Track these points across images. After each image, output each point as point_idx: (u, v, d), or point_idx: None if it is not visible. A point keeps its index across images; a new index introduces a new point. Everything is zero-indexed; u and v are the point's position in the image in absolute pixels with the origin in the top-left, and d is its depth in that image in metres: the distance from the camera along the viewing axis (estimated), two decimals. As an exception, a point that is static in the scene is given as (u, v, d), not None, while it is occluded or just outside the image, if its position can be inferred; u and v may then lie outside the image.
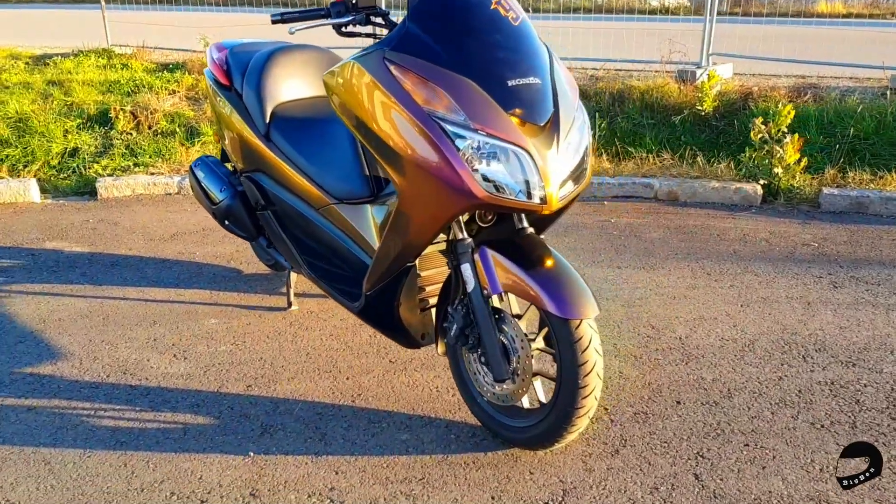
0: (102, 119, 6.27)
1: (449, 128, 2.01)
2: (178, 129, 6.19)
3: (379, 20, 2.44)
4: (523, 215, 2.31)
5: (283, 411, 2.53)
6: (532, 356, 2.22)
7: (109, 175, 5.24)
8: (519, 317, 2.32)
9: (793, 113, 4.73)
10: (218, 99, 3.18)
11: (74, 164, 5.49)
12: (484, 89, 2.05)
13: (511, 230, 2.33)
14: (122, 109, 6.52)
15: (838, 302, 3.35)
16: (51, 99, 6.60)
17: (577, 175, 2.18)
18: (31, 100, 6.69)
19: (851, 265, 3.76)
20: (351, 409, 2.54)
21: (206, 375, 2.75)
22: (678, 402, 2.59)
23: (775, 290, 3.49)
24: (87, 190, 5.08)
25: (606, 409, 2.56)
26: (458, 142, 2.01)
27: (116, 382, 2.70)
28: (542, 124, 2.08)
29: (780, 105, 4.89)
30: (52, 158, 5.57)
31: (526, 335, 2.25)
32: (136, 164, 5.51)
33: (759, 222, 4.42)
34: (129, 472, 2.23)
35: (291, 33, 2.36)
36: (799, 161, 4.76)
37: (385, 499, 2.12)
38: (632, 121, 5.95)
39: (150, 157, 5.66)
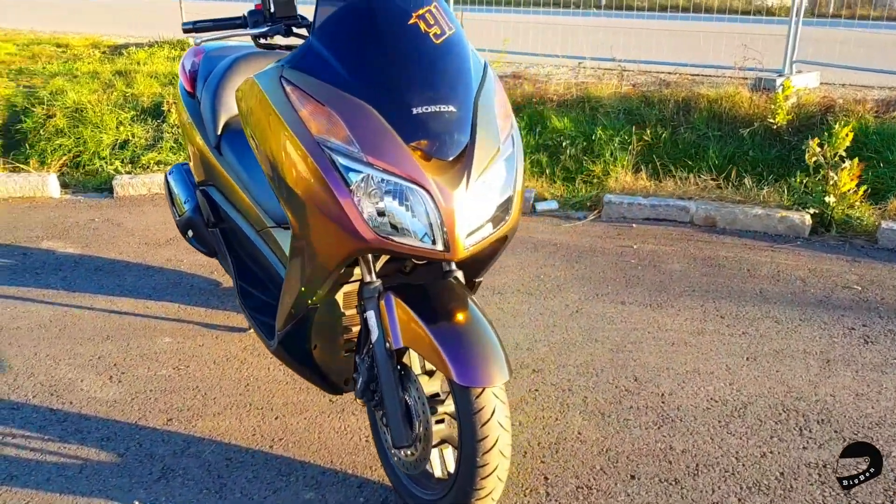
0: (157, 111, 6.25)
1: (340, 160, 1.76)
2: None
3: (303, 31, 2.20)
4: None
5: (191, 453, 2.34)
6: (435, 422, 1.94)
7: (128, 173, 5.20)
8: (431, 373, 2.05)
9: (851, 136, 4.22)
10: (181, 105, 3.02)
11: (95, 160, 5.47)
12: (385, 117, 1.78)
13: (438, 273, 2.06)
14: (175, 102, 6.49)
15: (864, 362, 2.91)
16: (111, 90, 6.64)
17: (497, 217, 1.88)
18: (93, 90, 6.75)
19: (893, 316, 3.28)
20: (265, 457, 2.33)
21: (131, 404, 2.59)
22: (632, 477, 2.26)
23: (793, 341, 3.07)
24: (106, 187, 5.06)
25: (546, 477, 2.25)
26: (350, 176, 1.76)
27: (38, 405, 2.57)
28: (449, 159, 1.79)
29: (841, 123, 4.38)
30: (102, 150, 5.55)
31: (434, 396, 1.98)
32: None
33: (801, 257, 3.95)
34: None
35: (197, 44, 2.15)
36: (857, 189, 4.24)
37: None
38: (696, 132, 5.49)
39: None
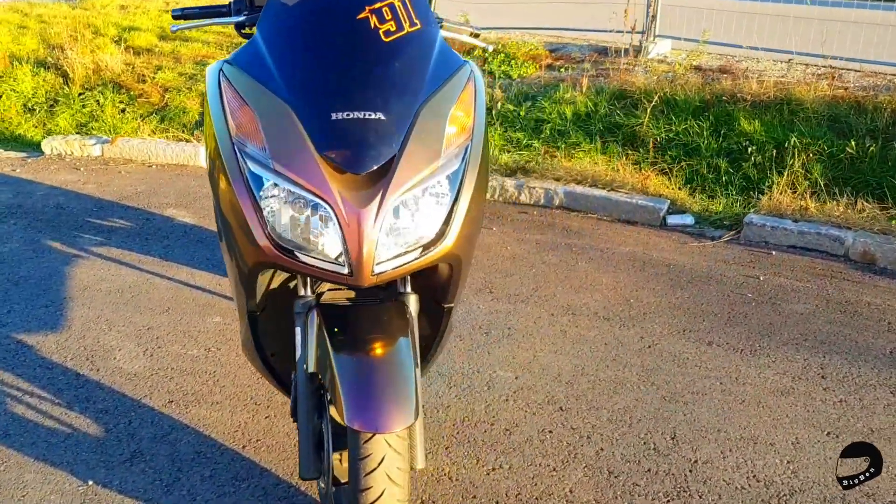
0: None
1: (250, 165, 1.64)
2: None
3: None
4: (407, 277, 1.84)
5: (169, 440, 2.34)
6: (339, 460, 1.77)
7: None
8: None
9: None
10: None
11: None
12: (302, 122, 1.63)
13: (392, 295, 1.88)
14: None
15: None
16: None
17: (426, 241, 1.65)
18: None
19: None
20: (232, 457, 2.28)
21: (147, 380, 2.65)
22: (602, 557, 1.93)
23: (901, 422, 2.49)
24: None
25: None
26: (258, 183, 1.62)
27: (69, 368, 2.71)
28: (361, 173, 1.59)
29: None
30: None
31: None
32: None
33: (971, 315, 3.21)
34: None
35: (173, 31, 2.11)
36: None
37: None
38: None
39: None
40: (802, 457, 2.32)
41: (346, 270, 1.60)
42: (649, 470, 2.27)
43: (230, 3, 2.09)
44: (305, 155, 1.59)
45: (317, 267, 1.61)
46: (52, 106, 6.23)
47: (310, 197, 1.58)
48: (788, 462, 2.30)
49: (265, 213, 1.60)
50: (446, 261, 1.72)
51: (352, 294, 2.02)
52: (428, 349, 2.11)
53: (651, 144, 4.83)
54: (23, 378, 2.64)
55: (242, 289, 1.82)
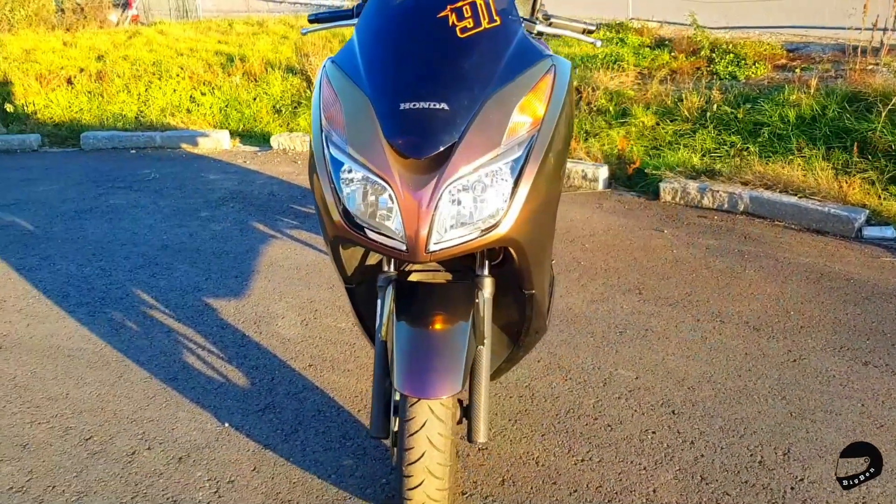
0: None
1: (332, 150, 1.84)
2: (611, 108, 6.18)
3: None
4: (485, 260, 1.97)
5: (299, 397, 2.63)
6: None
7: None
8: None
9: None
10: None
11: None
12: (375, 110, 1.80)
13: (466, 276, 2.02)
14: None
15: None
16: None
17: (482, 223, 1.75)
18: None
19: None
20: (346, 418, 2.51)
21: (296, 345, 2.98)
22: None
23: None
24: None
25: (568, 524, 2.03)
26: (334, 165, 1.83)
27: (238, 329, 3.12)
28: (421, 157, 1.74)
29: None
30: None
31: None
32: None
33: None
34: (140, 394, 2.63)
35: (304, 34, 2.36)
36: None
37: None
38: None
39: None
40: (932, 492, 2.09)
41: (403, 247, 1.74)
42: (746, 482, 2.17)
43: (353, 7, 2.31)
44: (375, 141, 1.76)
45: (380, 243, 1.77)
46: (295, 107, 6.98)
47: (375, 178, 1.74)
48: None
49: (343, 193, 1.79)
50: (504, 244, 1.79)
51: (444, 276, 2.15)
52: (518, 334, 2.19)
53: (879, 151, 4.40)
54: (201, 334, 3.08)
55: (332, 262, 2.02)
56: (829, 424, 2.40)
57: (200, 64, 8.14)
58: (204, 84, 7.58)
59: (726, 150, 4.86)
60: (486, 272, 1.95)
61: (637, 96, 6.38)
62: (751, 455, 2.28)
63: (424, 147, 1.72)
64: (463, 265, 2.10)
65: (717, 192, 4.27)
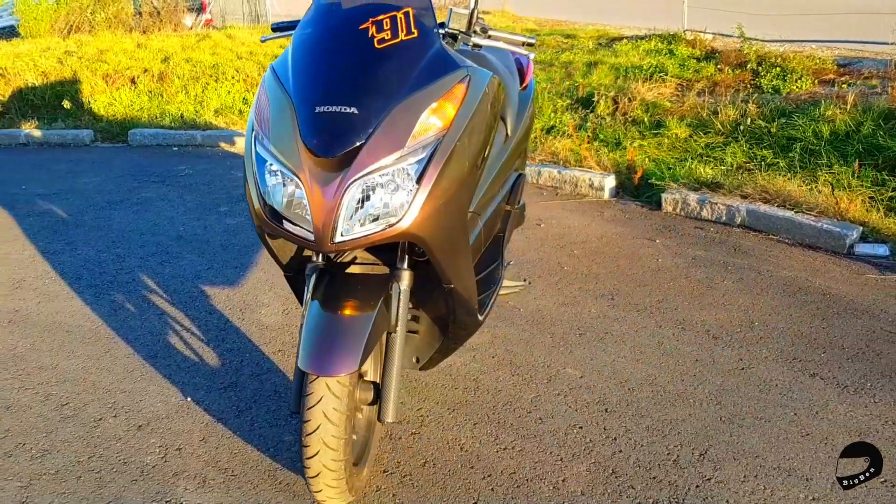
0: (588, 102, 6.60)
1: (257, 147, 2.03)
2: (645, 119, 6.20)
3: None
4: (405, 254, 2.14)
5: (261, 379, 2.83)
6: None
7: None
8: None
9: None
10: None
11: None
12: (296, 112, 1.99)
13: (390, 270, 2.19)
14: (605, 94, 6.82)
15: None
16: (568, 79, 7.23)
17: (384, 216, 1.90)
18: (547, 78, 7.51)
19: None
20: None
21: (272, 332, 3.18)
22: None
23: None
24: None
25: None
26: (259, 162, 2.02)
27: (224, 315, 3.35)
28: (329, 157, 1.91)
29: None
30: (532, 134, 5.97)
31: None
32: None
33: None
34: (121, 368, 2.87)
35: (263, 41, 2.55)
36: None
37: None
38: None
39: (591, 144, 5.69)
40: (833, 497, 2.14)
41: (312, 237, 1.91)
42: (655, 478, 2.26)
43: (307, 17, 2.49)
44: (292, 141, 1.94)
45: (292, 233, 1.95)
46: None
47: (290, 174, 1.92)
48: (813, 500, 2.14)
49: (266, 188, 1.98)
50: (406, 238, 1.94)
51: (383, 269, 2.29)
52: (446, 327, 2.34)
53: None
54: (189, 318, 3.32)
55: (266, 251, 2.22)
56: (755, 430, 2.46)
57: (256, 67, 8.51)
58: (256, 87, 7.93)
59: (756, 165, 4.84)
60: (405, 265, 2.11)
61: (673, 108, 6.41)
62: (667, 454, 2.37)
63: (333, 146, 1.89)
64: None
65: (716, 204, 4.30)
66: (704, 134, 5.54)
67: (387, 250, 2.19)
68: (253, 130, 2.05)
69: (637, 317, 3.23)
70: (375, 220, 1.90)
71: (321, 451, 1.92)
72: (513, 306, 3.34)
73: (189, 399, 2.71)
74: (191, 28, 14.12)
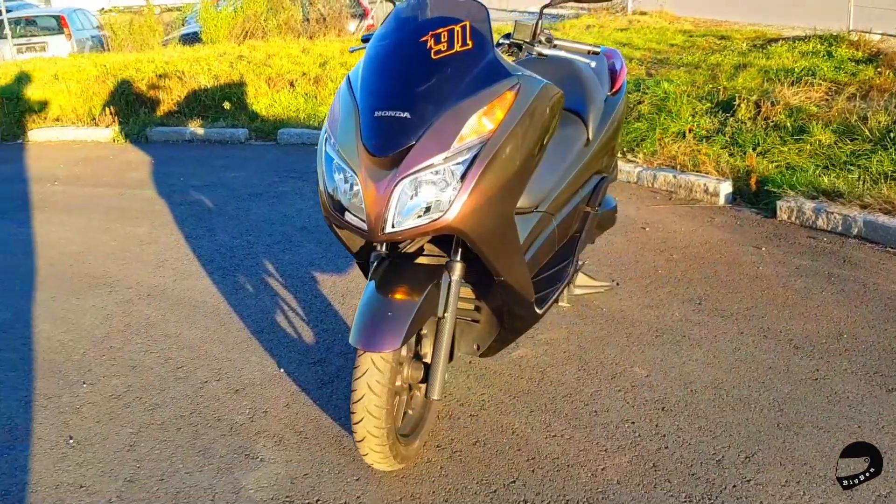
0: (729, 105, 6.47)
1: (328, 148, 2.31)
2: (788, 124, 6.03)
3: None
4: (460, 248, 2.34)
5: (346, 357, 3.11)
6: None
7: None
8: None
9: None
10: None
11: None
12: (360, 117, 2.24)
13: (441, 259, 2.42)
14: (746, 98, 6.66)
15: None
16: (711, 82, 7.10)
17: (431, 211, 2.11)
18: (690, 81, 7.36)
19: None
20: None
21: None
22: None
23: None
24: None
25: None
26: (327, 160, 2.29)
27: (328, 300, 3.66)
28: (382, 156, 2.14)
29: None
30: (665, 137, 5.99)
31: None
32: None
33: None
34: (231, 340, 3.24)
35: (351, 52, 2.80)
36: None
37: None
38: None
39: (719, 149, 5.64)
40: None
41: (365, 227, 2.15)
42: (693, 474, 2.32)
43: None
44: (353, 141, 2.19)
45: (350, 223, 2.20)
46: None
47: (350, 172, 2.17)
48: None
49: (333, 183, 2.24)
50: (451, 232, 2.14)
51: (441, 261, 2.50)
52: (502, 317, 2.52)
53: None
54: (297, 299, 3.67)
55: (337, 239, 2.48)
56: (810, 439, 2.45)
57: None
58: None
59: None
60: (458, 258, 2.31)
61: (820, 113, 6.13)
62: (713, 453, 2.41)
63: (387, 147, 2.12)
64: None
65: (833, 213, 4.17)
66: (851, 141, 5.29)
67: (448, 243, 2.39)
68: (325, 132, 2.31)
69: (720, 322, 3.23)
70: (423, 213, 2.10)
71: (365, 419, 2.15)
72: (597, 305, 3.44)
73: (282, 370, 3.03)
74: (354, 34, 14.88)
